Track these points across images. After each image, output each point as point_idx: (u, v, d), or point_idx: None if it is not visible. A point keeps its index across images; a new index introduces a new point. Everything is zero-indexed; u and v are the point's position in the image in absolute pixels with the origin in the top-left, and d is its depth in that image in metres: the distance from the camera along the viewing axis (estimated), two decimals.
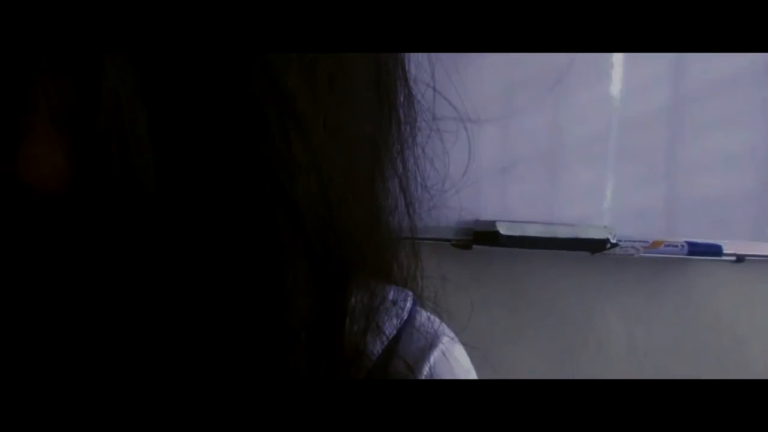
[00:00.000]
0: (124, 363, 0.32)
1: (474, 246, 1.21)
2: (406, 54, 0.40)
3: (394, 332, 0.39)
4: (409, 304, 0.40)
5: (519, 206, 1.24)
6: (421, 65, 0.42)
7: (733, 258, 1.31)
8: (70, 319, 0.32)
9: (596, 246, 1.24)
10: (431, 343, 0.40)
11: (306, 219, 0.32)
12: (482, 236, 1.21)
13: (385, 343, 0.38)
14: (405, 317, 0.40)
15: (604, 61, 1.26)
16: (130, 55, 0.30)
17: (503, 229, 1.20)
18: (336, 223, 0.33)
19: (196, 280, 0.32)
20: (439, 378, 0.39)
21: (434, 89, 0.43)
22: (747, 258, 1.31)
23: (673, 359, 1.34)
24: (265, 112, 0.31)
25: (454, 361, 0.40)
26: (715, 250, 1.29)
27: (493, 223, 1.20)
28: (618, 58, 1.26)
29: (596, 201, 1.27)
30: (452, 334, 0.42)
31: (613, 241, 1.24)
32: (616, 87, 1.27)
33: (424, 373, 0.39)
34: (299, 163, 0.32)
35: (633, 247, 1.26)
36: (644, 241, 1.27)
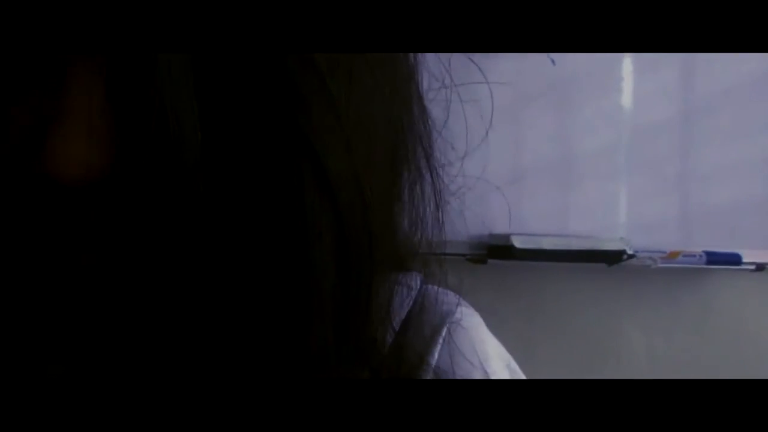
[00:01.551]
0: (154, 331, 0.32)
1: (489, 260, 1.20)
2: (421, 67, 0.40)
3: (405, 314, 0.39)
4: (417, 284, 0.41)
5: (533, 219, 1.23)
6: (433, 76, 0.42)
7: (753, 267, 1.29)
8: (98, 314, 0.33)
9: (613, 258, 1.24)
10: (444, 317, 0.40)
11: (334, 185, 0.33)
12: (497, 250, 1.20)
13: (397, 327, 0.38)
14: (414, 297, 0.40)
15: (614, 72, 1.26)
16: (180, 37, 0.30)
17: (518, 243, 1.19)
18: (364, 193, 0.34)
19: (228, 250, 0.32)
20: (457, 348, 0.39)
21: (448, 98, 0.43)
22: (767, 266, 1.30)
23: (694, 371, 1.32)
24: (297, 83, 0.32)
25: (469, 330, 0.40)
26: (734, 259, 1.27)
27: (507, 236, 1.19)
28: (627, 68, 1.26)
29: (611, 212, 1.27)
30: (466, 304, 0.42)
31: (630, 252, 1.23)
32: (626, 97, 1.26)
33: (438, 348, 0.39)
34: (328, 133, 0.33)
35: (650, 258, 1.25)
36: (661, 252, 1.25)
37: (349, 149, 0.33)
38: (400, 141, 0.38)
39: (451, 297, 0.41)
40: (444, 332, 0.39)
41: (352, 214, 0.34)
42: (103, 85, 0.30)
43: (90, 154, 0.31)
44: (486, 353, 0.41)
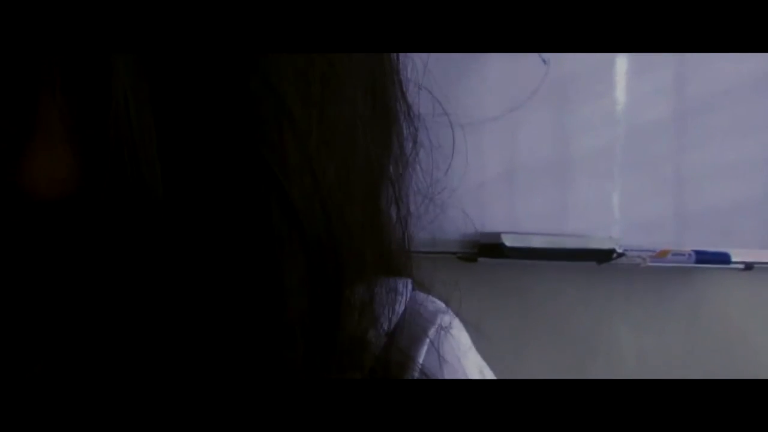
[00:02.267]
0: (124, 355, 0.33)
1: (479, 258, 1.20)
2: (407, 61, 0.40)
3: (396, 320, 0.40)
4: (408, 291, 0.41)
5: (526, 218, 1.23)
6: (424, 74, 0.42)
7: (742, 266, 1.30)
8: (70, 323, 0.33)
9: (602, 256, 1.24)
10: (430, 322, 0.40)
11: (301, 214, 0.33)
12: (487, 249, 1.20)
13: (388, 333, 0.39)
14: (404, 304, 0.40)
15: (608, 72, 1.26)
16: (138, 60, 0.31)
17: (508, 241, 1.19)
18: (331, 219, 0.34)
19: (195, 275, 0.32)
20: (441, 353, 0.40)
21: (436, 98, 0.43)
22: (756, 265, 1.30)
23: (683, 369, 1.33)
24: (260, 111, 0.32)
25: (453, 337, 0.41)
26: (723, 258, 1.28)
27: (498, 235, 1.19)
28: (622, 68, 1.26)
29: (604, 212, 1.27)
30: (452, 314, 0.42)
31: (619, 251, 1.24)
32: (621, 97, 1.26)
33: (425, 349, 0.39)
34: (293, 160, 0.33)
35: (639, 256, 1.25)
36: (651, 251, 1.26)
37: (312, 171, 0.33)
38: (383, 146, 0.38)
39: (438, 304, 0.42)
40: (431, 334, 0.40)
41: (319, 233, 0.34)
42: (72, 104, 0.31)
43: (59, 170, 0.31)
44: (466, 363, 0.41)
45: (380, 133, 0.38)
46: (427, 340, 0.39)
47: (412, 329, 0.40)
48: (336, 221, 0.34)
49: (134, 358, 0.32)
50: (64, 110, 0.31)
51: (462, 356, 0.41)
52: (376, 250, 0.39)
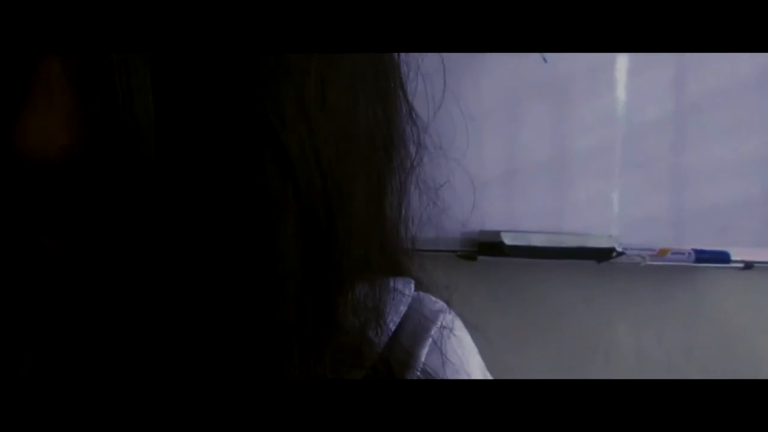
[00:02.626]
0: (118, 333, 0.32)
1: (479, 257, 1.20)
2: (408, 61, 0.40)
3: (399, 319, 0.40)
4: (410, 290, 0.41)
5: (525, 216, 1.23)
6: (426, 74, 0.42)
7: (741, 265, 1.30)
8: (65, 296, 0.33)
9: (602, 255, 1.24)
10: (432, 321, 0.40)
11: (296, 170, 0.33)
12: (487, 247, 1.20)
13: (390, 332, 0.39)
14: (407, 304, 0.40)
15: (607, 71, 1.26)
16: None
17: (508, 240, 1.19)
18: (327, 176, 0.34)
19: (188, 236, 0.32)
20: (443, 352, 0.40)
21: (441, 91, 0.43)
22: (755, 264, 1.30)
23: (682, 368, 1.33)
24: (261, 72, 0.32)
25: (456, 336, 0.41)
26: (722, 257, 1.28)
27: (497, 233, 1.19)
28: (621, 67, 1.26)
29: (603, 210, 1.27)
30: (453, 313, 0.42)
31: (619, 249, 1.24)
32: (620, 96, 1.26)
33: (426, 349, 0.39)
34: (291, 118, 0.33)
35: (639, 255, 1.25)
36: (651, 249, 1.26)
37: (311, 134, 0.33)
38: (382, 136, 0.38)
39: (440, 304, 0.42)
40: (433, 333, 0.40)
41: (313, 196, 0.34)
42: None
43: (58, 134, 0.31)
44: (468, 361, 0.41)
45: (383, 121, 0.38)
46: (429, 339, 0.39)
47: (415, 328, 0.40)
48: (331, 179, 0.34)
49: (126, 334, 0.32)
50: (63, 71, 0.31)
51: (465, 356, 0.41)
52: (377, 244, 0.39)
